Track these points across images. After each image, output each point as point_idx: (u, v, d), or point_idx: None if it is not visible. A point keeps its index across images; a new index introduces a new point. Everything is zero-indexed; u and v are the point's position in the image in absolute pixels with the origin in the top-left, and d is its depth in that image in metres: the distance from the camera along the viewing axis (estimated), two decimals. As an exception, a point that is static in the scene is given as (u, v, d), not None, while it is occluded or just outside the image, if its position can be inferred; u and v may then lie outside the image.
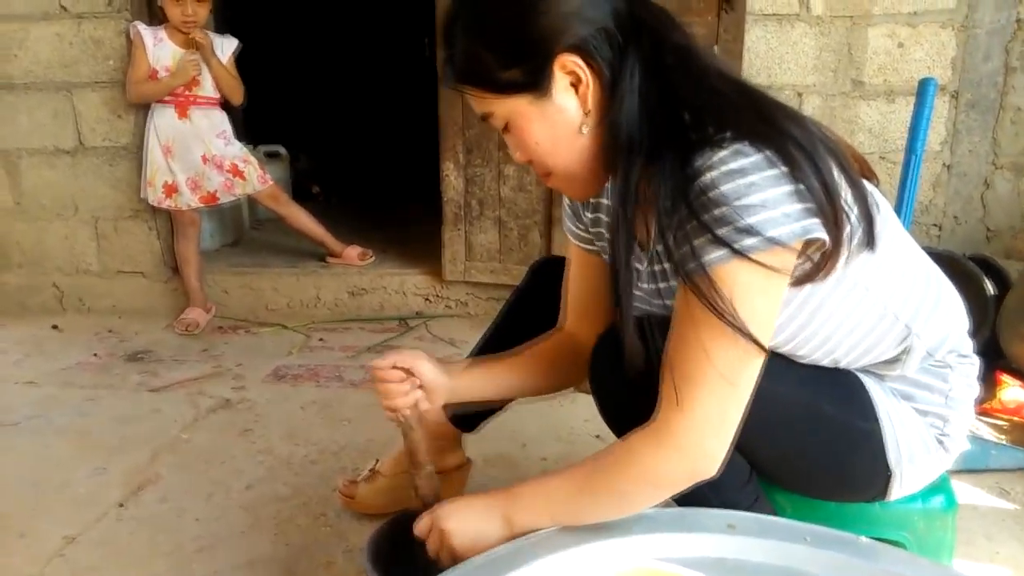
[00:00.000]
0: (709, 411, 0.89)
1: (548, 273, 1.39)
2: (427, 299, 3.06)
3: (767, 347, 0.89)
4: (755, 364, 0.90)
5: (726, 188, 0.85)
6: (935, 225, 2.79)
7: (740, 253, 0.85)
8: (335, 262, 3.20)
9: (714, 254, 0.86)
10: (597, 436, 1.98)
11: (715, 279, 0.87)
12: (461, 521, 1.01)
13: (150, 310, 3.11)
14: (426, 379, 1.19)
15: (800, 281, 0.92)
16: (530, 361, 1.29)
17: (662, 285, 1.06)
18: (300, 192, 4.25)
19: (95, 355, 2.68)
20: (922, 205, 2.74)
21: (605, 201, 1.18)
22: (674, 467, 0.91)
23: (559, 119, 0.96)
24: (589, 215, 1.22)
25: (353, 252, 3.19)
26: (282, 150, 4.08)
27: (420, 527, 1.05)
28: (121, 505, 1.70)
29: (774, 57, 2.64)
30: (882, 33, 2.61)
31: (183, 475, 1.82)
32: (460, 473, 1.64)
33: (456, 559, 0.99)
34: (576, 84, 0.95)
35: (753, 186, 0.84)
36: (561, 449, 1.92)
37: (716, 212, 0.85)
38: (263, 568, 1.47)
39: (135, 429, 2.07)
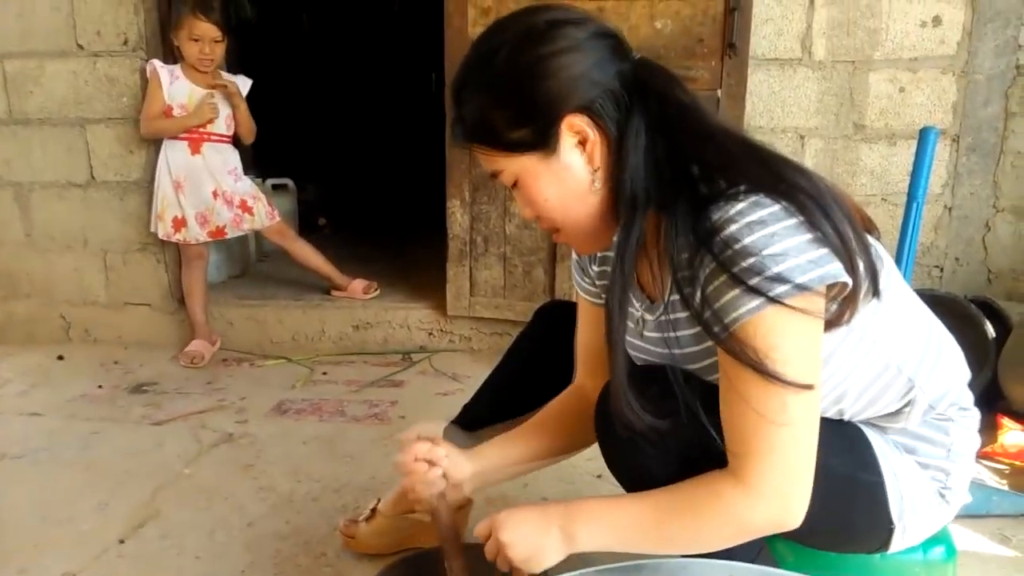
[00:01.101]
0: (783, 458, 0.91)
1: (553, 317, 1.40)
2: (431, 333, 3.08)
3: (814, 383, 0.91)
4: (805, 402, 0.91)
5: (751, 240, 0.87)
6: (936, 267, 2.81)
7: (775, 300, 0.87)
8: (340, 295, 3.23)
9: (750, 304, 0.88)
10: (599, 476, 1.98)
11: (752, 328, 0.89)
12: (519, 533, 1.01)
13: (156, 342, 3.13)
14: (450, 451, 1.21)
15: (828, 326, 0.94)
16: (547, 426, 1.30)
17: (669, 335, 1.07)
18: (307, 224, 4.29)
19: (100, 387, 2.69)
20: (923, 247, 2.76)
21: (611, 255, 1.20)
22: (759, 514, 0.92)
23: (567, 176, 0.99)
24: (596, 268, 1.24)
25: (358, 286, 3.22)
26: (289, 183, 4.12)
27: (480, 530, 1.06)
28: (122, 542, 1.70)
29: (777, 100, 2.68)
30: (883, 78, 2.64)
31: (185, 511, 1.83)
32: (461, 512, 1.64)
33: (513, 569, 1.01)
34: (583, 143, 0.98)
35: (776, 236, 0.87)
36: (563, 489, 1.92)
37: (745, 264, 0.87)
38: (263, 608, 1.47)
39: (138, 463, 2.08)
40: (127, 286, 3.13)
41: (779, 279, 0.86)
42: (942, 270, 2.80)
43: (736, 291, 0.89)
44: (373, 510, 1.62)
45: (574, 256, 1.29)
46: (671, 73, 1.00)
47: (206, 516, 1.80)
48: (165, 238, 2.96)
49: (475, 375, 2.73)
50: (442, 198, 2.92)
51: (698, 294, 0.93)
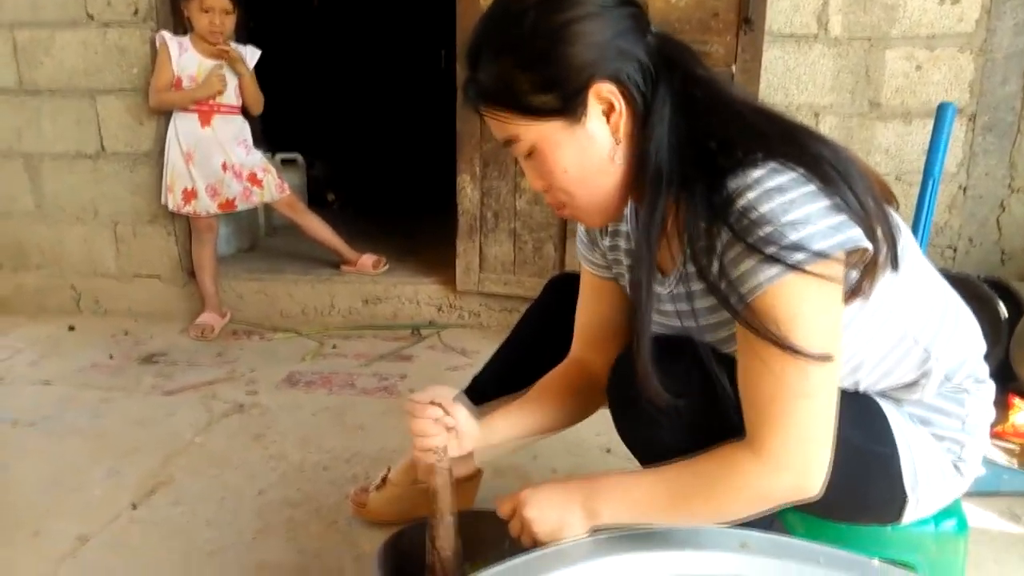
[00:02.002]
0: (802, 426, 0.91)
1: (565, 288, 1.40)
2: (440, 309, 3.08)
3: (834, 353, 0.90)
4: (825, 372, 0.90)
5: (768, 207, 0.86)
6: (950, 247, 2.79)
7: (794, 267, 0.86)
8: (349, 270, 3.23)
9: (768, 273, 0.88)
10: (608, 450, 1.98)
11: (771, 298, 0.88)
12: (542, 510, 1.01)
13: (166, 314, 3.14)
14: (460, 420, 1.20)
15: (851, 296, 0.93)
16: (547, 400, 1.30)
17: (681, 307, 1.07)
18: (315, 199, 4.29)
19: (110, 357, 2.70)
20: (937, 227, 2.74)
21: (623, 228, 1.19)
22: (781, 483, 0.92)
23: (589, 147, 0.97)
24: (607, 242, 1.22)
25: (368, 260, 3.22)
26: (299, 157, 4.12)
27: (504, 509, 1.06)
28: (134, 507, 1.72)
29: (792, 77, 2.65)
30: (900, 55, 2.61)
31: (196, 479, 1.84)
32: (471, 483, 1.65)
33: (538, 544, 1.00)
34: (608, 113, 0.96)
35: (794, 203, 0.86)
36: (572, 462, 1.92)
37: (762, 232, 0.86)
38: (274, 572, 1.48)
39: (149, 432, 2.09)
40: (137, 258, 3.14)
41: (797, 247, 0.85)
42: (955, 250, 2.78)
43: (753, 261, 0.88)
44: (384, 479, 1.63)
45: (580, 229, 1.28)
46: (691, 48, 0.99)
47: (217, 484, 1.81)
48: (175, 210, 2.96)
49: (484, 351, 2.72)
50: (451, 175, 2.92)
51: (715, 265, 0.92)
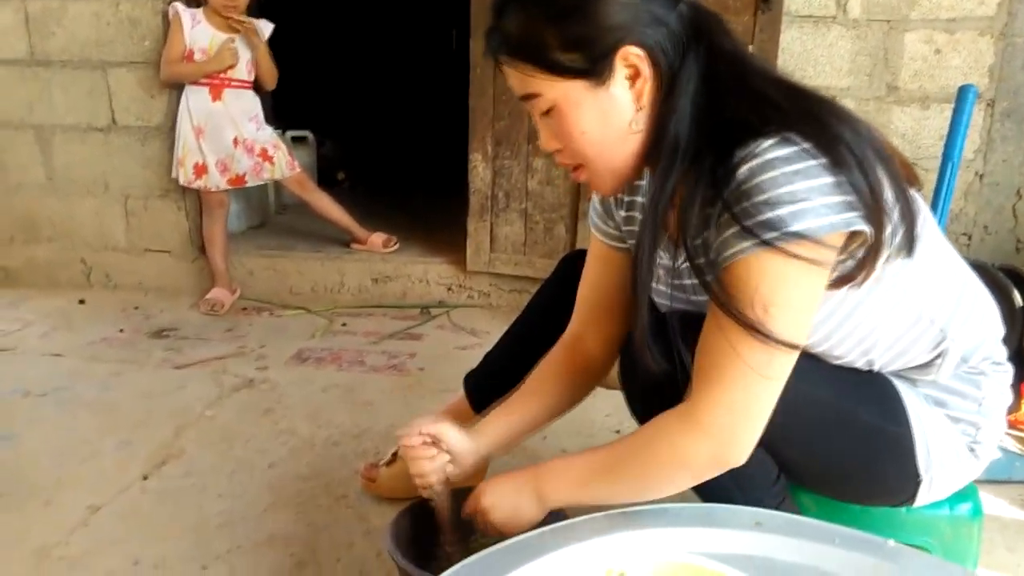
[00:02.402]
0: (737, 398, 0.90)
1: (578, 266, 1.38)
2: (450, 288, 3.07)
3: (798, 343, 0.89)
4: (784, 358, 0.90)
5: (762, 178, 0.85)
6: (964, 234, 2.76)
7: (769, 244, 0.85)
8: (359, 248, 3.22)
9: (742, 244, 0.87)
10: (617, 431, 1.98)
11: (740, 270, 0.87)
12: (496, 497, 1.05)
13: (176, 288, 3.15)
14: (452, 445, 1.20)
15: (841, 281, 0.92)
16: (539, 393, 1.29)
17: (693, 281, 1.06)
18: (325, 178, 4.28)
19: (121, 331, 2.71)
20: (952, 214, 2.71)
21: (640, 199, 1.17)
22: (701, 449, 0.91)
23: (610, 111, 0.95)
24: (623, 213, 1.21)
25: (378, 239, 3.21)
26: (309, 135, 4.10)
27: (468, 506, 1.10)
28: (145, 478, 1.72)
29: (809, 59, 2.62)
30: (919, 38, 2.58)
31: (206, 451, 1.84)
32: (481, 468, 1.65)
33: (501, 533, 1.02)
34: (633, 78, 0.94)
35: (794, 176, 0.84)
36: (581, 442, 1.92)
37: (749, 203, 0.85)
38: (284, 545, 1.48)
39: (159, 404, 2.10)
40: (148, 232, 3.14)
41: (782, 221, 0.84)
42: (970, 238, 2.76)
43: (733, 230, 0.87)
44: (394, 455, 1.63)
45: (595, 198, 1.27)
46: (721, 18, 0.97)
47: (228, 457, 1.82)
48: (186, 184, 2.95)
49: (493, 331, 2.72)
50: (461, 156, 2.90)
51: (710, 234, 0.91)
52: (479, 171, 2.86)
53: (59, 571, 1.40)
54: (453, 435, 1.20)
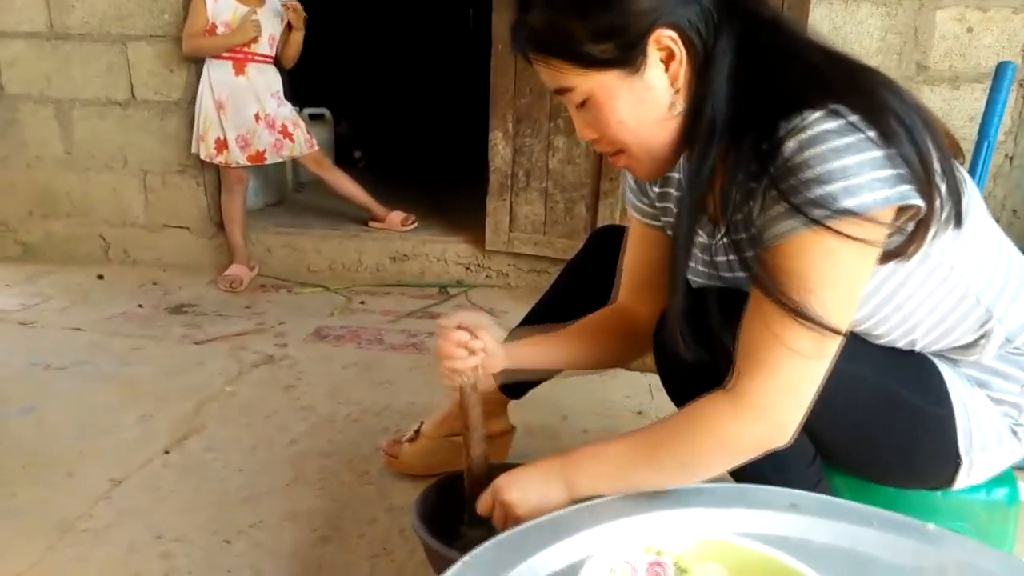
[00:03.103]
0: (782, 379, 0.87)
1: (609, 240, 1.36)
2: (468, 268, 3.05)
3: (843, 326, 0.86)
4: (828, 342, 0.87)
5: (810, 153, 0.81)
6: (993, 218, 2.71)
7: (818, 223, 0.81)
8: (377, 226, 3.21)
9: (790, 223, 0.83)
10: (639, 412, 1.97)
11: (786, 251, 0.84)
12: (522, 491, 0.99)
13: (194, 265, 3.14)
14: (488, 343, 1.17)
15: (889, 256, 0.89)
16: (585, 335, 1.27)
17: (732, 257, 1.03)
18: (342, 157, 4.26)
19: (139, 306, 2.71)
20: (984, 193, 2.67)
21: (675, 175, 1.15)
22: (747, 431, 0.89)
23: (647, 97, 0.92)
24: (656, 190, 1.19)
25: (396, 217, 3.19)
26: (326, 113, 4.08)
27: (483, 505, 1.04)
28: (167, 452, 1.72)
29: (838, 37, 2.56)
30: (951, 16, 2.52)
31: (228, 427, 1.84)
32: (504, 439, 1.64)
33: None
34: (668, 61, 0.90)
35: (844, 150, 0.81)
36: (602, 423, 1.91)
37: (795, 180, 0.82)
38: (307, 520, 1.48)
39: (180, 380, 2.10)
40: (166, 208, 3.13)
41: (832, 199, 0.80)
42: (998, 221, 2.69)
43: (780, 209, 0.84)
44: (417, 431, 1.62)
45: (629, 177, 1.24)
46: None
47: (249, 432, 1.81)
48: (207, 159, 2.94)
49: (512, 311, 2.71)
50: (480, 134, 2.87)
51: (754, 211, 0.88)
52: (499, 149, 2.83)
53: (82, 543, 1.40)
54: (490, 337, 1.17)
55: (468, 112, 3.60)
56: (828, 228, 0.81)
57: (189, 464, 1.68)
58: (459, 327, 1.16)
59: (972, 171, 1.80)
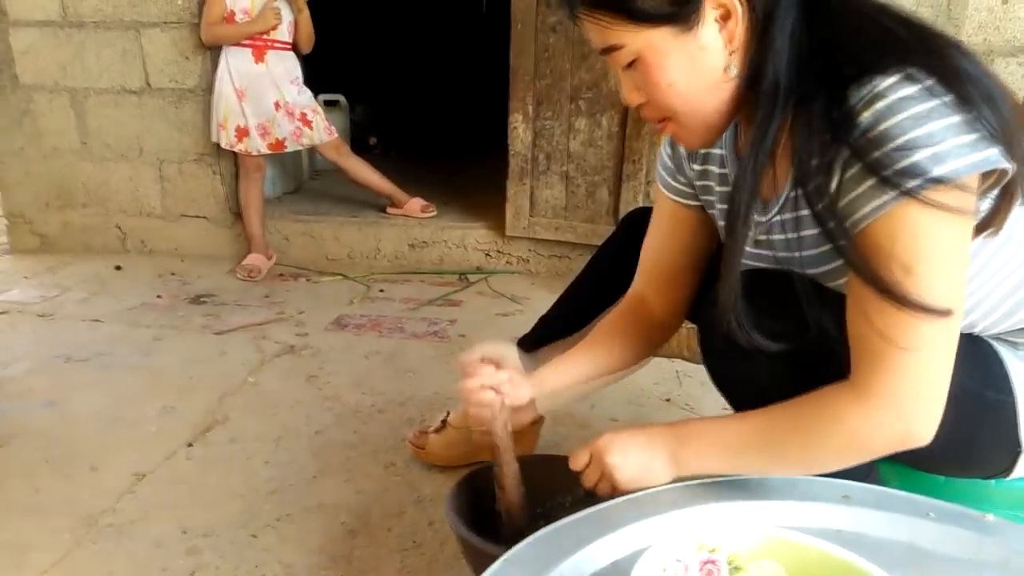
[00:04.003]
0: (904, 375, 0.82)
1: (641, 225, 1.31)
2: (488, 254, 3.01)
3: (951, 306, 0.81)
4: (942, 328, 0.81)
5: (894, 121, 0.77)
6: None
7: (911, 193, 0.77)
8: (396, 212, 3.17)
9: (882, 198, 0.79)
10: (667, 400, 1.93)
11: (882, 230, 0.80)
12: (624, 454, 0.95)
13: (212, 254, 3.12)
14: (513, 375, 1.14)
15: (980, 228, 0.84)
16: (603, 342, 1.23)
17: (782, 237, 0.98)
18: (357, 143, 4.22)
19: (159, 297, 2.69)
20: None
21: (717, 151, 1.09)
22: (883, 429, 0.84)
23: (700, 57, 0.87)
24: (697, 167, 1.13)
25: (416, 204, 3.16)
26: (341, 99, 4.05)
27: (578, 460, 1.00)
28: (190, 445, 1.70)
29: (867, 11, 2.50)
30: (985, -12, 2.44)
31: (251, 418, 1.81)
32: (533, 428, 1.61)
33: (617, 492, 0.94)
34: (725, 19, 0.85)
35: (925, 117, 0.76)
36: (631, 411, 1.87)
37: (882, 151, 0.77)
38: (334, 513, 1.45)
39: (202, 370, 2.07)
40: (183, 197, 3.11)
41: (920, 168, 0.76)
42: None
43: (868, 184, 0.79)
44: (443, 422, 1.59)
45: (665, 152, 1.19)
46: None
47: (273, 423, 1.79)
48: (228, 147, 2.91)
49: (533, 297, 2.67)
50: (495, 120, 2.82)
51: (831, 186, 0.83)
52: (519, 132, 2.78)
53: (108, 539, 1.38)
54: (514, 367, 1.15)
55: (485, 95, 3.55)
56: (921, 200, 0.77)
57: (213, 456, 1.65)
58: (482, 360, 1.13)
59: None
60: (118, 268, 3.00)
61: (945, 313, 0.80)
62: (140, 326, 2.41)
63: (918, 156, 0.76)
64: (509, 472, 1.16)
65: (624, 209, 2.70)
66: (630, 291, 1.26)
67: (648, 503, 0.91)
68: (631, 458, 0.95)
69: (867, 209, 0.80)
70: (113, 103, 3.01)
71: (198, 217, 3.13)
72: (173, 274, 2.94)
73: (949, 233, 0.80)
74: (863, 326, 0.84)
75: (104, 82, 2.99)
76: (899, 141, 0.76)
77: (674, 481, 0.94)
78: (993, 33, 2.47)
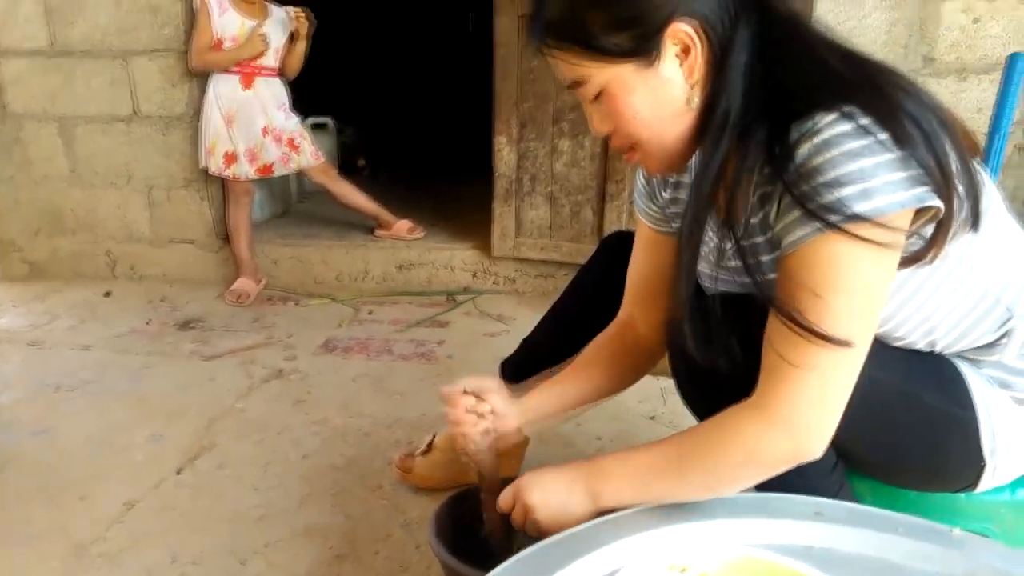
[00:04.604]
0: (805, 392, 0.86)
1: (619, 248, 1.35)
2: (475, 275, 3.04)
3: (858, 339, 0.84)
4: (843, 352, 0.84)
5: (825, 158, 0.80)
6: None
7: (834, 227, 0.80)
8: (383, 234, 3.20)
9: (805, 230, 0.82)
10: (651, 417, 1.95)
11: (805, 258, 0.83)
12: (544, 493, 0.99)
13: (201, 279, 3.14)
14: (497, 404, 1.17)
15: (910, 261, 0.87)
16: (590, 367, 1.26)
17: (751, 261, 1.01)
18: (345, 165, 4.25)
19: (148, 322, 2.70)
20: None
21: (686, 179, 1.13)
22: (777, 445, 0.87)
23: (662, 90, 0.91)
24: (667, 194, 1.17)
25: (403, 226, 3.18)
26: (329, 122, 4.08)
27: (504, 500, 1.04)
28: (179, 472, 1.71)
29: (843, 31, 2.49)
30: (957, 7, 2.49)
31: (240, 444, 1.83)
32: (517, 451, 1.63)
33: (541, 532, 0.96)
34: (684, 54, 0.89)
35: (855, 154, 0.80)
36: (616, 428, 1.89)
37: (809, 185, 0.81)
38: (322, 538, 1.46)
39: (191, 396, 2.09)
40: (171, 223, 3.13)
41: (845, 203, 0.79)
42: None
43: (796, 214, 0.83)
44: (429, 444, 1.61)
45: (639, 180, 1.23)
46: None
47: (261, 449, 1.80)
48: (216, 173, 2.93)
49: (520, 317, 2.70)
50: (481, 141, 2.85)
51: (773, 213, 0.87)
52: (504, 154, 2.82)
53: (98, 568, 1.39)
54: (498, 398, 1.17)
55: (471, 116, 3.59)
56: (843, 232, 0.80)
57: (202, 483, 1.67)
58: (464, 392, 1.16)
59: (985, 164, 1.77)
60: (107, 294, 3.02)
61: (845, 344, 0.83)
62: (129, 353, 2.42)
63: (845, 192, 0.79)
64: (494, 499, 1.18)
65: (608, 228, 2.73)
66: (618, 316, 1.29)
67: (625, 524, 0.93)
68: (550, 497, 0.98)
69: (792, 238, 0.84)
70: (102, 130, 3.04)
71: (187, 242, 3.15)
72: (162, 299, 2.96)
73: (868, 267, 0.83)
74: (768, 347, 0.88)
75: (93, 110, 3.02)
76: (829, 176, 0.80)
77: (596, 516, 0.96)
78: (966, 52, 2.53)
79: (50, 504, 1.59)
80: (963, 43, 2.52)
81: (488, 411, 1.17)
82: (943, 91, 2.58)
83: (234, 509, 1.56)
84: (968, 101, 2.57)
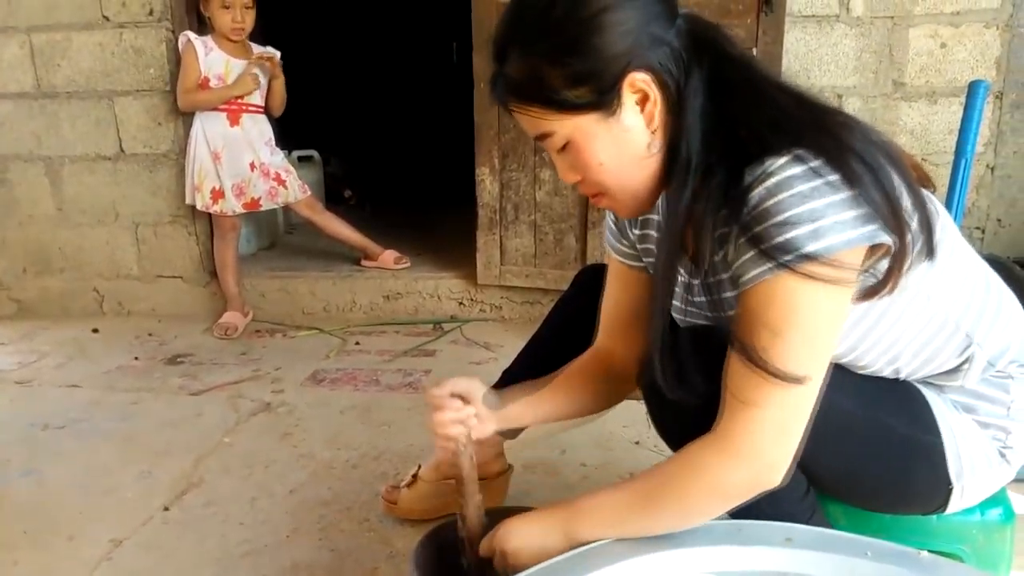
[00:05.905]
0: (764, 423, 0.88)
1: (594, 280, 1.38)
2: (461, 303, 3.07)
3: (808, 373, 0.87)
4: (795, 388, 0.87)
5: (776, 200, 0.84)
6: (978, 228, 2.74)
7: (786, 266, 0.84)
8: (370, 265, 3.22)
9: (757, 270, 0.86)
10: (636, 442, 1.97)
11: (760, 297, 0.87)
12: (523, 539, 1.00)
13: (189, 314, 3.15)
14: (479, 410, 1.20)
15: (867, 295, 0.91)
16: (568, 385, 1.29)
17: (715, 297, 1.05)
18: (332, 196, 4.29)
19: (136, 359, 2.71)
20: (965, 208, 2.69)
21: (655, 217, 1.17)
22: (737, 476, 0.89)
23: (625, 138, 0.94)
24: (636, 231, 1.21)
25: (389, 256, 3.21)
26: (315, 154, 4.11)
27: (483, 549, 1.06)
28: (166, 509, 1.72)
29: (814, 59, 2.61)
30: (924, 33, 2.57)
31: (227, 479, 1.84)
32: (502, 479, 1.64)
33: None
34: (643, 103, 0.93)
35: (805, 195, 0.83)
36: (600, 455, 1.91)
37: (762, 227, 0.85)
38: (308, 573, 1.47)
39: (178, 433, 2.10)
40: (159, 259, 3.15)
41: (796, 243, 0.82)
42: (983, 231, 2.74)
43: (751, 254, 0.86)
44: (414, 476, 1.62)
45: (609, 218, 1.27)
46: (720, 27, 0.97)
47: (248, 484, 1.81)
48: (204, 209, 2.96)
49: (507, 344, 2.72)
50: (466, 170, 2.89)
51: (720, 256, 0.91)
52: (486, 185, 2.86)
53: (85, 608, 1.40)
54: (483, 396, 1.21)
55: (456, 145, 3.63)
56: (795, 271, 0.83)
57: (189, 520, 1.67)
58: (451, 395, 1.19)
59: (951, 188, 1.82)
60: (95, 331, 3.02)
61: (799, 380, 0.86)
62: (117, 390, 2.43)
63: (797, 232, 0.83)
64: (472, 503, 1.19)
65: (591, 254, 2.77)
66: (594, 344, 1.31)
67: (601, 554, 0.95)
68: (528, 543, 1.00)
69: (748, 276, 0.88)
70: (88, 170, 3.07)
71: (174, 277, 3.17)
72: (150, 335, 2.97)
73: (821, 304, 0.86)
74: (727, 381, 0.91)
75: (79, 149, 3.05)
76: (781, 217, 0.83)
77: None
78: (934, 75, 2.59)
79: (37, 546, 1.60)
80: (932, 67, 2.59)
81: (471, 414, 1.19)
82: (915, 114, 2.64)
83: (221, 546, 1.57)
84: (939, 123, 2.63)
